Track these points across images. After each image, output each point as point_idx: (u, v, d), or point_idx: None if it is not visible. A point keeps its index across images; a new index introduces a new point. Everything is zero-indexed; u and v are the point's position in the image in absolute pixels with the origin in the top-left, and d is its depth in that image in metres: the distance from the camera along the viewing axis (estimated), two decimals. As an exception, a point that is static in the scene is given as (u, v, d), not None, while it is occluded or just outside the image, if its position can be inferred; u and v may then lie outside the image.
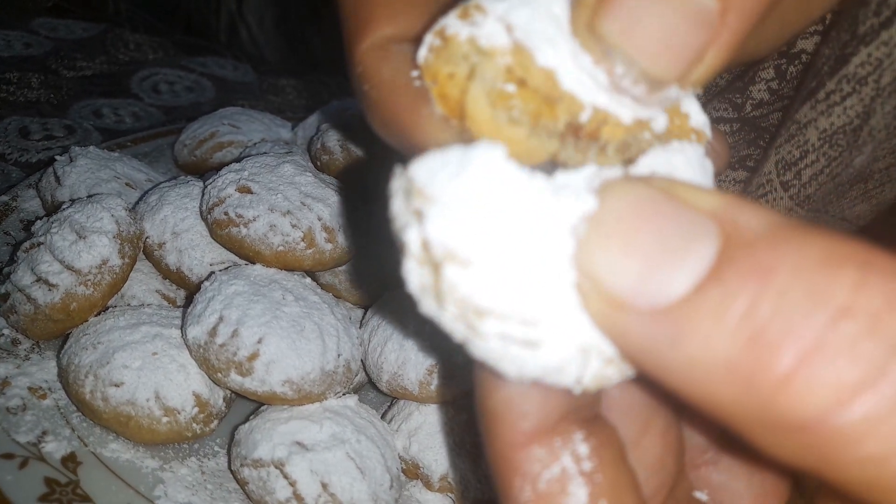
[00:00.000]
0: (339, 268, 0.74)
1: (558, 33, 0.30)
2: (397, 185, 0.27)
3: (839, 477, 0.21)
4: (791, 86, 0.72)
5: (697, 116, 0.32)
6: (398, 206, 0.26)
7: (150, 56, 1.36)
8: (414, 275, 0.26)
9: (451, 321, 0.26)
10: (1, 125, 1.05)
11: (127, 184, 0.81)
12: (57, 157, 0.81)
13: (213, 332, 0.59)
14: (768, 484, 0.35)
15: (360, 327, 0.69)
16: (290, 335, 0.59)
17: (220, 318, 0.59)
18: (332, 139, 0.80)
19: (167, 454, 0.62)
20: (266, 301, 0.60)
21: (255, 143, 0.94)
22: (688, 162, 0.28)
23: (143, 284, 0.72)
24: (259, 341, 0.58)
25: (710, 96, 0.78)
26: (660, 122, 0.31)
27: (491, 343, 0.26)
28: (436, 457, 0.62)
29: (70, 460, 0.58)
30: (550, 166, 0.32)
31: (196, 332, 0.59)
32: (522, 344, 0.26)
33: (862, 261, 0.20)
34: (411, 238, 0.25)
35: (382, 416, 0.69)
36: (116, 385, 0.58)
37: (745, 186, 0.75)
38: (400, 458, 0.63)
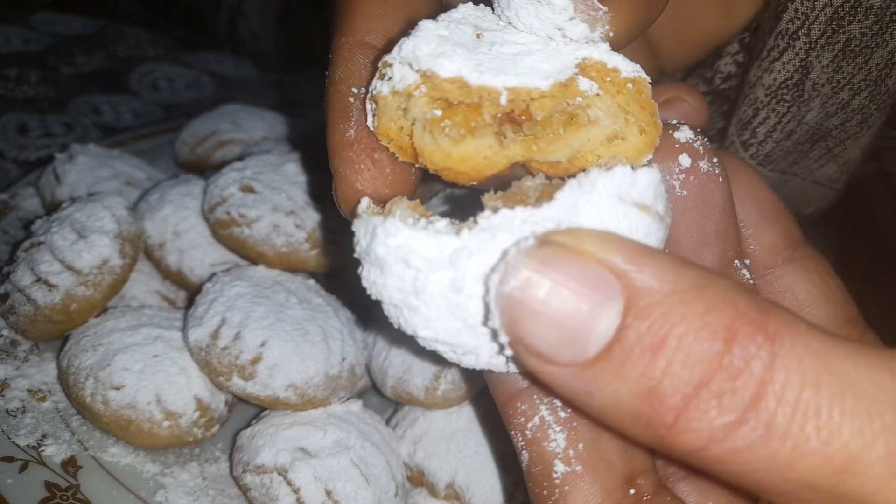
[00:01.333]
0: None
1: (449, 46, 0.34)
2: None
3: (716, 475, 0.29)
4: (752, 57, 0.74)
5: (627, 66, 0.35)
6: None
7: (149, 52, 1.35)
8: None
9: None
10: (-1, 122, 1.04)
11: (127, 182, 0.80)
12: (56, 155, 0.80)
13: (215, 334, 0.58)
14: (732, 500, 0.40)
15: (364, 330, 0.68)
16: (293, 338, 0.58)
17: (223, 321, 0.58)
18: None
19: (168, 459, 0.61)
20: (269, 303, 0.59)
21: (256, 142, 0.93)
22: (598, 202, 0.31)
23: (143, 285, 0.71)
24: (262, 344, 0.57)
25: (684, 74, 0.79)
26: (584, 83, 0.34)
27: (429, 349, 0.34)
28: (441, 464, 0.61)
29: (70, 464, 0.57)
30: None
31: (198, 334, 0.58)
32: (451, 354, 0.34)
33: (727, 332, 0.26)
34: (360, 277, 0.34)
35: (387, 422, 0.68)
36: (117, 388, 0.57)
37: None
38: (405, 464, 0.62)
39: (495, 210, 0.31)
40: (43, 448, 0.58)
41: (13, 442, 0.57)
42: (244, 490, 0.57)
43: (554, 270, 0.28)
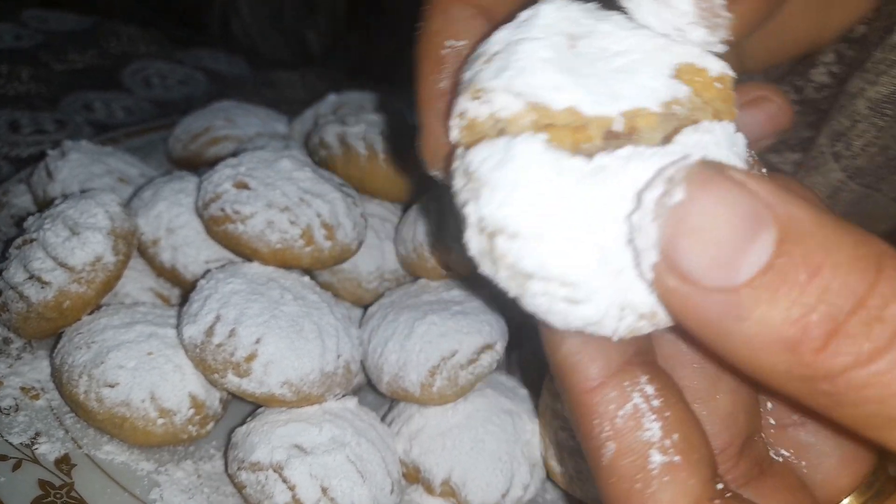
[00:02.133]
0: (338, 266, 0.73)
1: (555, 73, 0.33)
2: (457, 166, 0.33)
3: (845, 414, 0.29)
4: (850, 68, 0.73)
5: (715, 65, 0.35)
6: (458, 186, 0.32)
7: (142, 49, 1.34)
8: (473, 242, 0.31)
9: (504, 281, 0.31)
10: (-10, 119, 1.03)
11: (120, 179, 0.79)
12: (49, 152, 0.79)
13: (209, 331, 0.57)
14: (855, 448, 0.41)
15: (359, 327, 0.68)
16: (288, 335, 0.57)
17: (217, 317, 0.58)
18: (330, 134, 0.78)
19: (163, 457, 0.60)
20: (264, 300, 0.59)
21: (250, 139, 0.93)
22: (718, 142, 0.32)
23: (137, 282, 0.70)
24: (257, 341, 0.57)
25: (773, 79, 0.79)
26: (682, 90, 0.34)
27: (538, 300, 0.31)
28: (437, 461, 0.61)
29: (64, 462, 0.57)
30: None
31: (192, 331, 0.58)
32: (565, 301, 0.30)
33: (878, 264, 0.28)
34: (470, 213, 0.31)
35: (382, 419, 0.68)
36: (111, 385, 0.57)
37: (801, 162, 0.77)
38: (400, 461, 0.62)
39: (617, 146, 0.31)
40: (36, 446, 0.57)
41: (6, 440, 0.57)
42: (239, 488, 0.57)
43: (718, 191, 0.28)
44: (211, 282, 0.61)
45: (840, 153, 0.72)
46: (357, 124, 0.79)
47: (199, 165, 0.93)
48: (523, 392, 0.67)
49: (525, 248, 0.30)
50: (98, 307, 0.64)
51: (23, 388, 0.62)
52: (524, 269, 0.30)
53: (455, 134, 0.35)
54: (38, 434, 0.58)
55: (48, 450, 0.57)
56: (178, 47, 1.37)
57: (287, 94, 1.35)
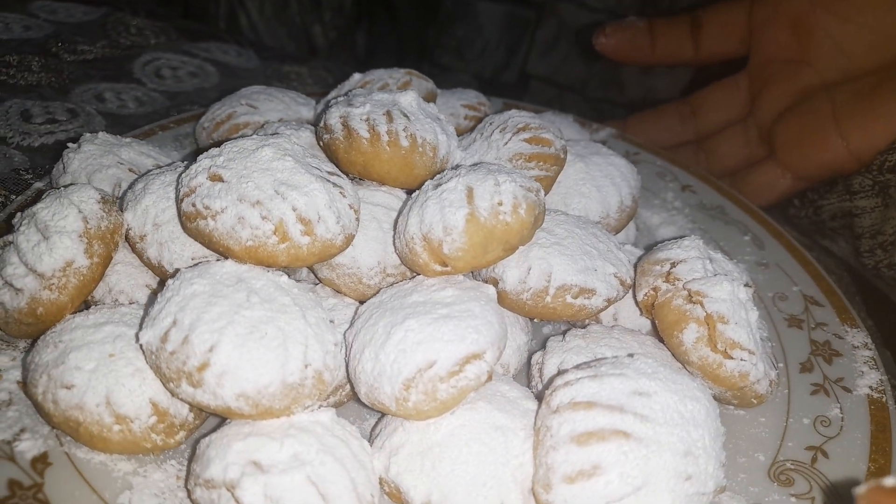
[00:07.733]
0: (337, 261, 0.67)
1: None
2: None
3: None
4: None
5: None
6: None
7: (151, 41, 1.32)
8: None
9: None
10: (1, 108, 1.03)
11: (130, 170, 0.78)
12: (69, 145, 0.80)
13: (164, 337, 0.53)
14: None
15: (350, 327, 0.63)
16: (245, 343, 0.52)
17: (174, 322, 0.54)
18: (334, 116, 0.72)
19: (145, 458, 0.58)
20: (225, 303, 0.54)
21: (272, 124, 0.89)
22: None
23: (132, 279, 0.68)
24: (210, 349, 0.52)
25: None
26: None
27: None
28: (415, 482, 0.54)
29: (40, 461, 0.56)
30: None
31: (149, 335, 0.54)
32: None
33: None
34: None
35: (373, 429, 0.63)
36: (67, 387, 0.54)
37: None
38: (382, 479, 0.56)
39: None
40: (17, 443, 0.57)
41: None
42: (194, 504, 0.53)
43: None
44: (177, 282, 0.57)
45: None
46: (363, 105, 0.72)
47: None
48: (528, 405, 0.59)
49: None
50: (88, 307, 0.62)
51: (19, 382, 0.62)
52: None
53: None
54: (23, 430, 0.58)
55: (28, 447, 0.57)
56: (188, 40, 1.34)
57: (296, 87, 1.30)
